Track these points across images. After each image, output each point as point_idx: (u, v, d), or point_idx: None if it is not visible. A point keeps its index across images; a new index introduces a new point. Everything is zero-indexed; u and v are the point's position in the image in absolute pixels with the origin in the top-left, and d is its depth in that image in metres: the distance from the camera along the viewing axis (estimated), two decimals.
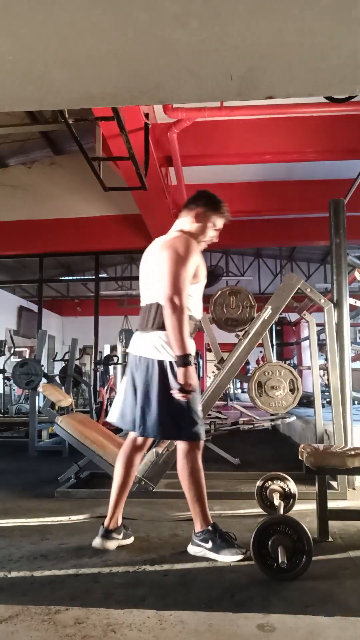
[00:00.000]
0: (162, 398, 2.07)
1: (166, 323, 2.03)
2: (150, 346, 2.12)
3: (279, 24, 1.30)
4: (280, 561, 1.79)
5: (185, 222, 2.25)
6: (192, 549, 2.12)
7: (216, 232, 2.29)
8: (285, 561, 1.80)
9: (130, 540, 2.26)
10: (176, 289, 2.01)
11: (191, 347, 2.05)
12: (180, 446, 2.13)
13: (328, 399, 3.42)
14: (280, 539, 1.85)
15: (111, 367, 8.97)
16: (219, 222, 2.27)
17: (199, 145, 5.40)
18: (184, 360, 1.99)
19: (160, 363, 2.09)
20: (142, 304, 2.26)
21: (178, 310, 2.00)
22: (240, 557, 2.01)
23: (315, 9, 1.25)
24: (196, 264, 2.13)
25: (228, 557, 2.02)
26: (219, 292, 3.52)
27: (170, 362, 2.07)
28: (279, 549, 1.83)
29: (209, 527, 2.09)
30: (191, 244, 2.13)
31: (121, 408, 2.23)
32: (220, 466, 3.98)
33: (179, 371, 2.00)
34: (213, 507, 2.73)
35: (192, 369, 2.01)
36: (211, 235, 2.27)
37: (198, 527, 2.11)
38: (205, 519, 2.12)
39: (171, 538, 2.35)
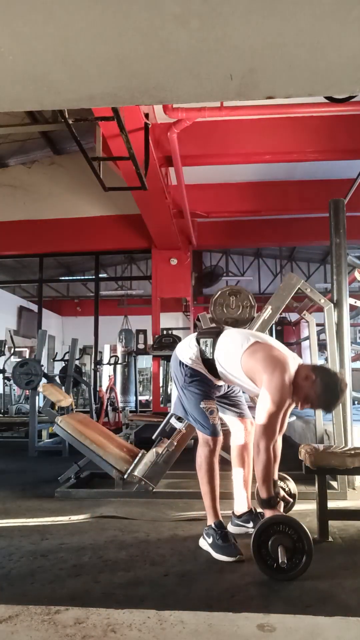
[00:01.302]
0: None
1: None
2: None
3: (279, 24, 1.29)
4: (280, 561, 1.79)
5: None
6: (200, 541, 2.20)
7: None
8: (285, 561, 1.80)
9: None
10: (264, 431, 2.07)
11: None
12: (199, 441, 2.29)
13: None
14: (280, 539, 1.85)
15: (111, 368, 8.97)
16: None
17: (199, 145, 5.40)
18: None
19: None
20: None
21: (261, 454, 2.05)
22: (231, 559, 2.03)
23: (315, 9, 1.25)
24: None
25: (221, 557, 2.05)
26: (219, 292, 3.52)
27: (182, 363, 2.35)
28: (279, 549, 1.83)
29: (213, 524, 2.15)
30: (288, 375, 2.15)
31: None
32: (221, 466, 3.96)
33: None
34: None
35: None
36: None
37: (207, 522, 2.21)
38: (211, 515, 2.19)
39: (171, 538, 2.35)
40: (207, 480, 2.22)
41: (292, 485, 2.64)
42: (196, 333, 2.43)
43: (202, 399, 2.27)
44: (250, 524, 2.31)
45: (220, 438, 2.27)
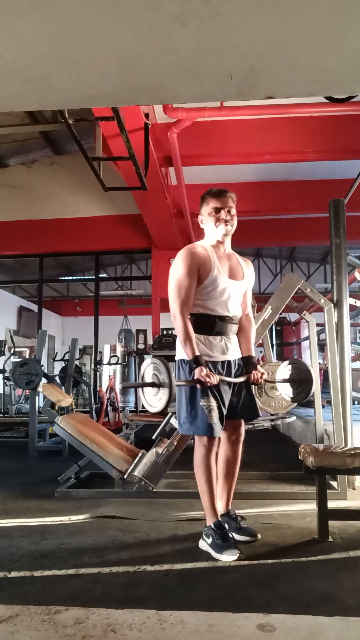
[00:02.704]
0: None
1: None
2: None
3: (279, 24, 1.30)
4: None
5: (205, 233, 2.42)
6: (199, 543, 2.20)
7: (221, 212, 2.31)
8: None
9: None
10: (172, 305, 2.27)
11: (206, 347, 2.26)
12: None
13: (328, 399, 3.41)
14: None
15: (111, 368, 8.97)
16: (212, 203, 2.33)
17: (199, 145, 5.40)
18: (190, 363, 2.20)
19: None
20: None
21: (177, 322, 2.24)
22: (232, 558, 2.02)
23: (315, 9, 1.25)
24: (191, 269, 2.26)
25: (221, 557, 2.04)
26: None
27: (179, 361, 2.33)
28: None
29: (212, 525, 2.15)
30: (183, 254, 2.31)
31: None
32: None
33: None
34: None
35: (202, 371, 2.15)
36: (219, 221, 2.31)
37: (206, 522, 2.21)
38: (210, 515, 2.20)
39: (171, 538, 2.35)
40: (204, 480, 2.21)
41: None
42: None
43: (202, 396, 2.22)
44: (225, 526, 2.21)
45: (217, 439, 2.24)
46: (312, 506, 2.48)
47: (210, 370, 2.20)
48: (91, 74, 1.51)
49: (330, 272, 3.43)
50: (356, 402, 5.50)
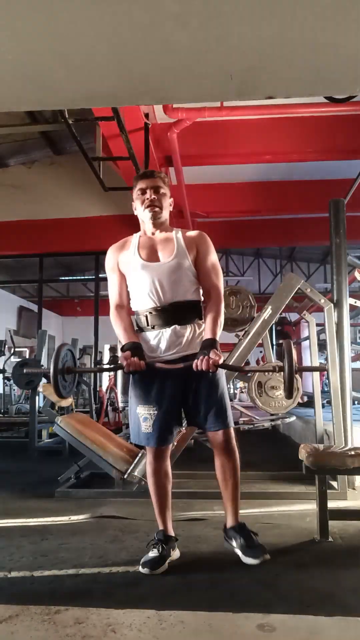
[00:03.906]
0: None
1: None
2: None
3: (279, 24, 1.29)
4: None
5: None
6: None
7: (145, 193, 2.07)
8: None
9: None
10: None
11: (127, 337, 2.04)
12: None
13: (328, 399, 3.42)
14: None
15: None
16: (138, 184, 2.09)
17: (199, 145, 5.40)
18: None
19: None
20: None
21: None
22: (144, 571, 1.89)
23: (315, 9, 1.25)
24: (111, 265, 2.17)
25: (140, 568, 1.92)
26: None
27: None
28: None
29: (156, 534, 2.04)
30: (108, 253, 2.21)
31: None
32: (200, 465, 3.97)
33: None
34: (213, 507, 2.73)
35: (125, 354, 1.98)
36: (143, 202, 2.08)
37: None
38: (159, 524, 2.09)
39: None
40: (150, 490, 2.10)
41: None
42: None
43: (138, 404, 2.05)
44: (233, 542, 2.02)
45: (156, 448, 2.04)
46: (312, 506, 2.48)
47: (141, 356, 1.96)
48: (91, 74, 1.51)
49: (330, 272, 3.43)
50: (356, 402, 5.50)
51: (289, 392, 1.86)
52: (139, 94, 1.64)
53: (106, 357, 9.59)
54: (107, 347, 10.48)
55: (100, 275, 9.84)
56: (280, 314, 3.46)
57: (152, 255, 2.07)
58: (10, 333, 10.47)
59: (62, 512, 2.77)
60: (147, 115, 4.41)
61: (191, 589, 1.77)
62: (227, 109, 4.54)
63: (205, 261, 2.08)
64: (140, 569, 1.91)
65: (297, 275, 3.35)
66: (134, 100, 1.68)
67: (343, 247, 3.31)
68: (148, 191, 2.06)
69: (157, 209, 2.07)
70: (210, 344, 1.93)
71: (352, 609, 1.58)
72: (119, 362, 1.99)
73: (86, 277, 13.01)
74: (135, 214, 2.17)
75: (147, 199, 2.06)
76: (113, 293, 2.16)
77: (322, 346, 3.97)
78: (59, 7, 1.25)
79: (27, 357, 10.98)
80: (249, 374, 3.36)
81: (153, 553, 1.96)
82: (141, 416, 2.03)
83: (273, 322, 3.31)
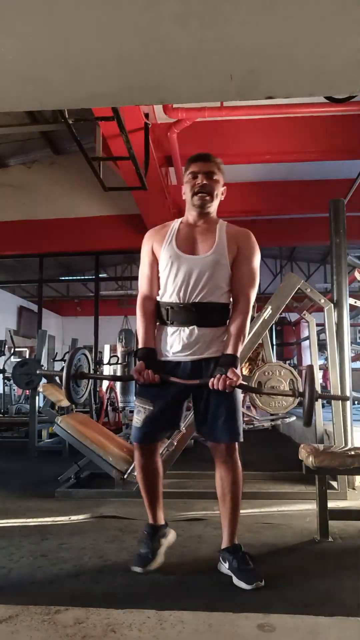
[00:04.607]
0: None
1: None
2: None
3: (279, 24, 1.29)
4: None
5: None
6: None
7: (196, 178, 1.94)
8: None
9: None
10: None
11: (141, 339, 1.96)
12: None
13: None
14: None
15: (111, 368, 8.96)
16: (191, 167, 1.97)
17: (199, 145, 5.37)
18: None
19: None
20: None
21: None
22: (138, 570, 1.86)
23: (315, 9, 1.25)
24: (146, 249, 2.02)
25: (132, 566, 1.89)
26: None
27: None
28: None
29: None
30: (146, 236, 2.06)
31: None
32: (199, 464, 3.98)
33: None
34: (213, 507, 2.73)
35: (139, 365, 1.90)
36: (193, 187, 1.95)
37: None
38: (149, 517, 2.04)
39: None
40: (140, 485, 2.04)
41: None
42: None
43: (137, 394, 1.98)
44: (226, 565, 1.86)
45: (143, 445, 1.96)
46: (312, 506, 2.48)
47: (155, 367, 1.88)
48: (91, 74, 1.51)
49: (330, 272, 3.43)
50: (356, 402, 5.50)
51: (308, 422, 1.77)
52: (139, 94, 1.64)
53: (106, 357, 9.60)
54: (107, 347, 10.49)
55: (100, 275, 9.86)
56: (280, 314, 3.45)
57: (189, 246, 1.93)
58: (10, 333, 10.46)
59: (62, 512, 2.77)
60: (147, 115, 4.41)
61: (191, 589, 1.77)
62: (227, 109, 4.54)
63: (244, 264, 1.93)
64: (133, 567, 1.88)
65: (297, 275, 3.35)
66: (134, 100, 1.68)
67: (343, 247, 3.31)
68: (200, 176, 1.91)
69: (207, 197, 1.93)
70: (230, 362, 1.82)
71: (352, 609, 1.58)
72: (132, 372, 1.91)
73: (86, 277, 13.01)
74: (183, 198, 2.01)
75: (198, 184, 1.92)
76: (143, 280, 2.01)
77: (322, 346, 3.98)
78: (59, 7, 1.25)
79: (27, 357, 10.99)
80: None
81: (143, 549, 1.93)
82: (136, 408, 1.96)
83: (273, 322, 3.31)
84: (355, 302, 3.69)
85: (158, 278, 1.99)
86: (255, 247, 1.97)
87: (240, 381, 1.82)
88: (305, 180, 6.95)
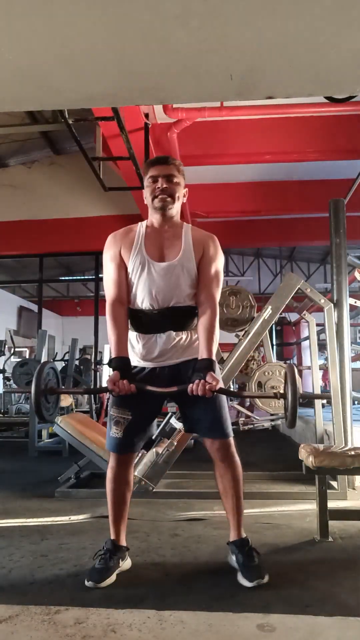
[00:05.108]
0: None
1: None
2: None
3: (279, 24, 1.29)
4: None
5: None
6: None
7: (156, 182, 1.92)
8: None
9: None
10: None
11: (116, 347, 1.90)
12: None
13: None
14: None
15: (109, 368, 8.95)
16: (150, 171, 1.94)
17: (199, 145, 5.40)
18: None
19: None
20: None
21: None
22: (89, 584, 1.78)
23: (315, 9, 1.25)
24: (111, 254, 1.99)
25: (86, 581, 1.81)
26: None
27: None
28: None
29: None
30: (108, 240, 2.05)
31: None
32: (198, 464, 3.98)
33: None
34: (213, 507, 2.73)
35: (113, 376, 1.84)
36: (153, 191, 1.93)
37: None
38: (111, 533, 1.98)
39: (171, 538, 2.35)
40: (107, 497, 2.02)
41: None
42: None
43: (112, 405, 1.94)
44: (234, 558, 1.89)
45: (120, 456, 1.95)
46: (312, 506, 2.48)
47: (130, 377, 1.85)
48: (91, 74, 1.51)
49: (330, 272, 3.44)
50: (356, 402, 5.51)
51: (292, 422, 1.73)
52: (139, 94, 1.64)
53: (106, 357, 9.60)
54: (107, 347, 10.49)
55: (100, 275, 9.85)
56: (280, 314, 3.46)
57: (157, 252, 1.93)
58: (10, 333, 10.47)
59: (62, 512, 2.77)
60: (147, 115, 4.41)
61: (191, 589, 1.77)
62: (227, 109, 4.54)
63: (209, 267, 1.94)
64: (86, 582, 1.79)
65: (297, 275, 3.35)
66: (134, 100, 1.68)
67: (343, 247, 3.31)
68: (160, 179, 1.90)
69: (168, 199, 1.90)
70: (206, 366, 1.80)
71: (352, 609, 1.58)
72: (106, 383, 1.85)
73: (86, 277, 13.02)
74: (145, 202, 2.01)
75: (158, 187, 1.90)
76: (111, 286, 1.96)
77: (322, 346, 3.98)
78: (59, 7, 1.25)
79: (27, 357, 10.99)
80: (248, 373, 3.36)
81: (99, 564, 1.84)
82: (113, 419, 1.92)
83: (273, 322, 3.31)
84: (355, 302, 3.69)
85: (127, 283, 1.96)
86: (220, 251, 2.00)
87: (220, 385, 1.80)
88: (305, 180, 6.95)
